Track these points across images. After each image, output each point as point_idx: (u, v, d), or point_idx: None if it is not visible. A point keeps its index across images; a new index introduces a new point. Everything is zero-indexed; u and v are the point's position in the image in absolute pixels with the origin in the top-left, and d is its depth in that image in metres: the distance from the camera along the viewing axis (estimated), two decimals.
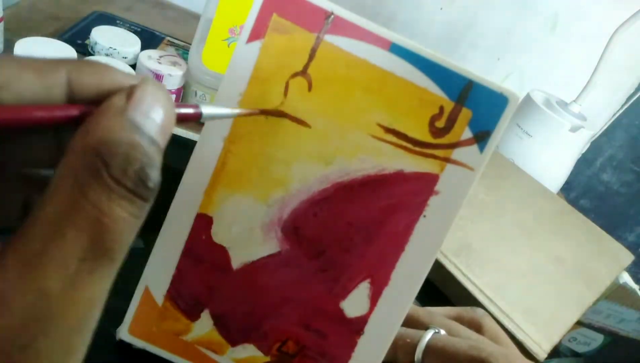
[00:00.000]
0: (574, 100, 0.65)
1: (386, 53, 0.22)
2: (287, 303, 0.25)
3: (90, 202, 0.12)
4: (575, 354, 0.49)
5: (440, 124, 0.22)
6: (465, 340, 0.26)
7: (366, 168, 0.23)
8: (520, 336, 0.40)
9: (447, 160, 0.22)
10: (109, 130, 0.13)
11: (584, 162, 0.88)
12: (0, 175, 0.17)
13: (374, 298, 0.24)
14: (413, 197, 0.23)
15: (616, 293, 0.46)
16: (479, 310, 0.30)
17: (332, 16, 0.22)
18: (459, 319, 0.29)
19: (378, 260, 0.24)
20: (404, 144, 0.23)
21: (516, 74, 0.83)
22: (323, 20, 0.22)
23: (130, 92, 0.14)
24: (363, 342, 0.25)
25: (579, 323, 0.45)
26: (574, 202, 0.86)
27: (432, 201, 0.23)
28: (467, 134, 0.22)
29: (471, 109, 0.22)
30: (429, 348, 0.26)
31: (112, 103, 0.14)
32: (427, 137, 0.22)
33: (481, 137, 0.22)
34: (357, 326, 0.25)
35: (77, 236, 0.12)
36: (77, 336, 0.13)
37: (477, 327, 0.28)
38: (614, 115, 0.85)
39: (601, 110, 0.84)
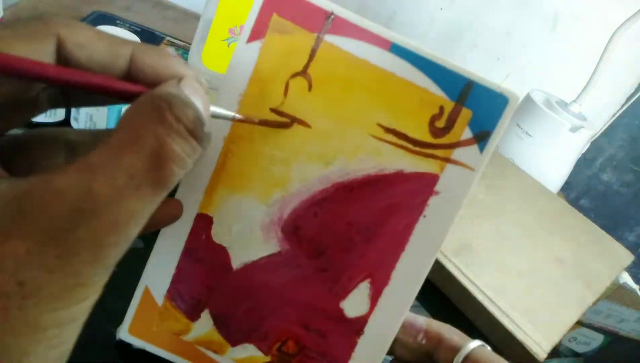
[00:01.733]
0: (574, 100, 0.65)
1: (386, 53, 0.22)
2: (287, 303, 0.25)
3: (152, 134, 0.15)
4: (575, 354, 0.49)
5: (440, 124, 0.22)
6: None
7: (366, 168, 0.23)
8: (520, 336, 0.40)
9: (447, 160, 0.22)
10: (171, 88, 0.16)
11: (584, 162, 0.88)
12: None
13: (374, 298, 0.24)
14: (413, 197, 0.23)
15: (616, 293, 0.46)
16: None
17: (332, 16, 0.22)
18: None
19: (378, 260, 0.24)
20: (404, 144, 0.23)
21: (516, 74, 0.83)
22: (323, 20, 0.22)
23: (180, 79, 0.17)
24: (363, 342, 0.25)
25: (579, 323, 0.45)
26: (574, 202, 0.86)
27: (432, 201, 0.23)
28: (467, 134, 0.22)
29: (471, 109, 0.22)
30: (473, 355, 0.26)
31: (168, 82, 0.17)
32: (427, 137, 0.22)
33: (481, 137, 0.22)
34: (357, 326, 0.25)
35: (133, 159, 0.15)
36: (113, 236, 0.15)
37: None
38: (614, 115, 0.85)
39: (601, 110, 0.84)
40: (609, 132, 0.86)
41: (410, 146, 0.23)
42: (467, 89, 0.22)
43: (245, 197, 0.24)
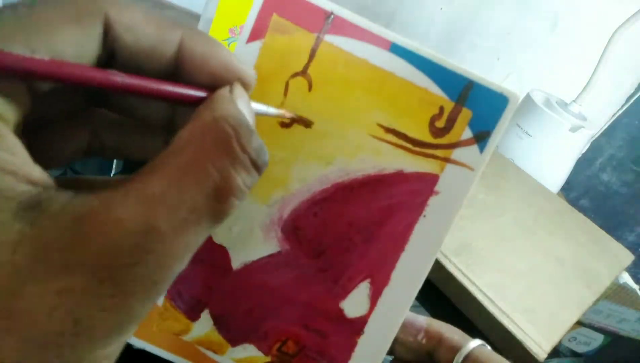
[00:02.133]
0: (574, 100, 0.65)
1: (386, 53, 0.22)
2: (287, 303, 0.25)
3: (216, 166, 0.14)
4: (575, 354, 0.49)
5: (440, 124, 0.22)
6: None
7: (366, 168, 0.23)
8: (520, 336, 0.40)
9: (447, 160, 0.22)
10: (234, 109, 0.15)
11: (584, 162, 0.88)
12: (75, 113, 0.18)
13: (374, 298, 0.24)
14: (413, 197, 0.23)
15: (616, 293, 0.46)
16: None
17: (332, 16, 0.22)
18: None
19: (378, 260, 0.24)
20: (404, 143, 0.23)
21: (516, 74, 0.83)
22: (323, 20, 0.22)
23: (231, 88, 0.16)
24: (363, 342, 0.25)
25: (579, 323, 0.45)
26: (574, 202, 0.86)
27: (432, 201, 0.23)
28: (467, 134, 0.22)
29: (471, 109, 0.22)
30: (473, 355, 0.26)
31: (221, 94, 0.16)
32: (427, 137, 0.22)
33: (481, 137, 0.22)
34: (357, 326, 0.25)
35: (195, 191, 0.14)
36: (168, 273, 0.14)
37: None
38: (614, 115, 0.85)
39: (601, 110, 0.84)
40: (609, 132, 0.86)
41: (410, 146, 0.23)
42: (467, 89, 0.22)
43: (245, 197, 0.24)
